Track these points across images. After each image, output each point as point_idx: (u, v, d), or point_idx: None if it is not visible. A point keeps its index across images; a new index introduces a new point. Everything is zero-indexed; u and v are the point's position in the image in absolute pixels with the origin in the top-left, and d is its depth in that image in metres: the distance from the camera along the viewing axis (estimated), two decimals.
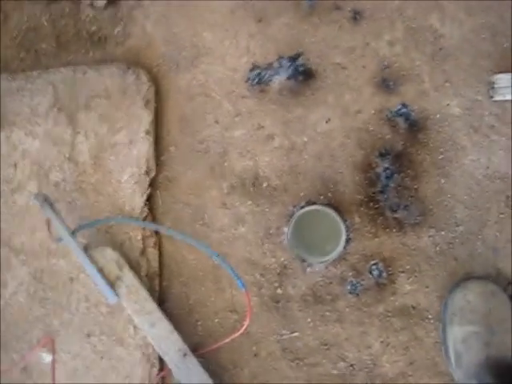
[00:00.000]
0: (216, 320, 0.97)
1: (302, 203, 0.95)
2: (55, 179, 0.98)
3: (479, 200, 0.94)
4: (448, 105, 0.95)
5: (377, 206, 0.95)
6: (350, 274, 0.95)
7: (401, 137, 0.96)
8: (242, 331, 0.92)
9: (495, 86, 0.93)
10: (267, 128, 0.98)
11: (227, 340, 0.94)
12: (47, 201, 0.94)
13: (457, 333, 0.89)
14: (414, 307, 0.94)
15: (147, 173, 0.97)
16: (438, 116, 0.95)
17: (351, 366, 0.94)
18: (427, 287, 0.94)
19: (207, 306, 0.98)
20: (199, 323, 0.97)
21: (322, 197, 0.95)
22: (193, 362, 0.92)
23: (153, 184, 0.99)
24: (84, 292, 0.97)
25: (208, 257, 0.97)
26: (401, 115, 0.95)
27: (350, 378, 0.94)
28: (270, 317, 0.96)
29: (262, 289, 0.97)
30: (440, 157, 0.95)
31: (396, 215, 0.95)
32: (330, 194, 0.95)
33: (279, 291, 0.96)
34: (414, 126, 0.95)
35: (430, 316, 0.94)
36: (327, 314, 0.95)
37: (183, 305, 0.98)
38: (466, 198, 0.95)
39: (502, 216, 0.94)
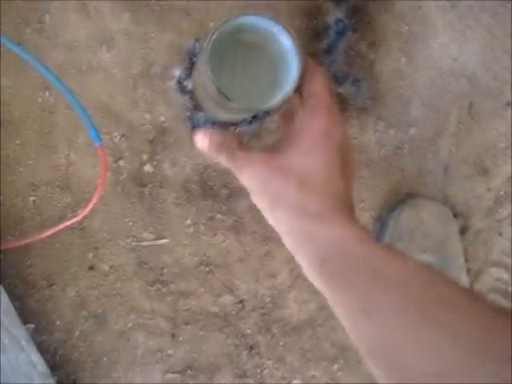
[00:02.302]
0: (32, 198, 0.56)
1: (211, 37, 0.60)
2: None
3: (439, 99, 0.69)
4: None
5: None
6: None
7: None
8: (75, 220, 0.53)
9: None
10: None
11: (46, 234, 0.53)
12: None
13: None
14: None
15: None
16: None
17: (241, 302, 0.61)
18: (362, 202, 0.66)
19: (20, 171, 0.56)
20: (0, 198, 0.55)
21: None
22: None
23: None
24: None
25: (39, 86, 0.56)
26: None
27: (235, 319, 0.60)
28: (127, 207, 0.58)
29: (121, 160, 0.58)
30: (406, 27, 0.68)
31: (340, 89, 0.65)
32: None
33: (148, 168, 0.59)
34: None
35: None
36: (219, 216, 0.60)
37: None
38: (425, 91, 0.69)
39: (461, 126, 0.70)
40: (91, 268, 0.57)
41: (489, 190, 0.71)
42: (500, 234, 0.71)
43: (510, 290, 0.71)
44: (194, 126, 0.59)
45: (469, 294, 0.37)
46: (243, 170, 0.46)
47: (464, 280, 0.64)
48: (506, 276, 0.71)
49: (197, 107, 0.59)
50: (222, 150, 0.48)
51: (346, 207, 0.44)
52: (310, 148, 0.45)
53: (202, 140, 0.50)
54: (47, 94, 0.56)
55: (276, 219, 0.45)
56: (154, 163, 0.59)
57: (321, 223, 0.42)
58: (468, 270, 0.69)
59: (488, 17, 0.70)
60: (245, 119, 0.60)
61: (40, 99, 0.56)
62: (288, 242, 0.44)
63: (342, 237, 0.41)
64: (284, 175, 0.44)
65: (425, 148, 0.69)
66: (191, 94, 0.59)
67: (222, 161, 0.48)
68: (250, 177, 0.46)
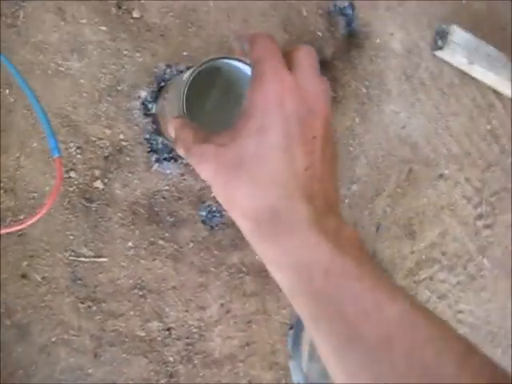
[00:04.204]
0: None
1: (182, 66, 0.61)
2: None
3: (383, 162, 0.74)
4: (392, 34, 0.73)
5: None
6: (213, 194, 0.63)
7: (334, 42, 0.69)
8: (19, 228, 0.51)
9: (442, 37, 0.75)
10: None
11: None
12: None
13: None
14: None
15: None
16: (377, 41, 0.72)
17: (168, 330, 0.61)
18: None
19: None
20: None
21: None
22: None
23: None
24: None
25: (1, 82, 0.54)
26: (344, 15, 0.70)
27: (160, 346, 0.60)
28: (71, 220, 0.57)
29: (73, 171, 0.57)
30: (364, 90, 0.72)
31: None
32: None
33: (98, 185, 0.58)
34: (353, 37, 0.70)
35: None
36: (160, 242, 0.61)
37: None
38: (372, 152, 0.73)
39: (398, 190, 0.75)
40: (23, 276, 0.55)
41: (412, 252, 0.75)
42: (415, 294, 0.76)
43: None
44: (152, 150, 0.60)
45: (460, 341, 0.34)
46: (198, 168, 0.40)
47: None
48: None
49: (157, 131, 0.60)
50: (177, 144, 0.43)
51: (323, 204, 0.35)
52: (262, 124, 0.36)
53: (170, 131, 0.45)
54: (7, 91, 0.54)
55: (239, 227, 0.38)
56: (106, 180, 0.58)
57: (288, 237, 0.33)
58: None
59: (437, 95, 0.76)
60: None
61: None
62: (258, 253, 0.37)
63: (323, 261, 0.33)
64: (232, 172, 0.36)
65: (363, 205, 0.72)
66: (154, 117, 0.60)
67: (184, 156, 0.43)
68: (205, 176, 0.39)
